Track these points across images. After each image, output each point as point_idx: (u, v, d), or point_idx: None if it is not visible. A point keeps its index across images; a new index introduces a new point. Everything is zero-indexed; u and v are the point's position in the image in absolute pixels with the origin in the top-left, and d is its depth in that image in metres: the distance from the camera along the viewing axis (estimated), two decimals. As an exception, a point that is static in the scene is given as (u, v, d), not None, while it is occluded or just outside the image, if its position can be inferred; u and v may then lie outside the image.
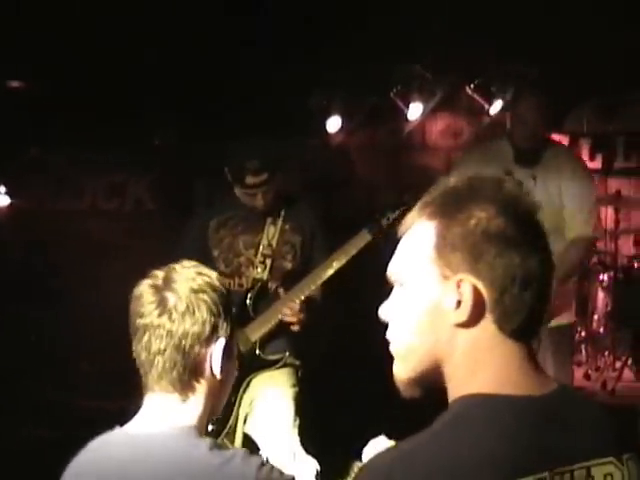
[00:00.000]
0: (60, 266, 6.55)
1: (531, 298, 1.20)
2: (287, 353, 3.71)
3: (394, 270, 1.28)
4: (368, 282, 5.43)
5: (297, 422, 3.72)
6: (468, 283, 1.19)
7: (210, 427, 3.37)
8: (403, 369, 1.26)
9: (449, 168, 5.92)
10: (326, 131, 6.27)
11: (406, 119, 6.06)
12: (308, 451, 3.68)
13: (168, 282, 1.85)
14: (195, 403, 1.86)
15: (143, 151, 6.87)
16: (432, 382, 1.25)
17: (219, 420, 3.49)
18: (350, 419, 4.63)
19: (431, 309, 1.22)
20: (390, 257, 1.29)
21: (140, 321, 1.83)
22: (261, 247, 3.70)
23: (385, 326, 1.30)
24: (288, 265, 3.74)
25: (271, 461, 3.45)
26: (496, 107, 5.84)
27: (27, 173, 6.76)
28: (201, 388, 1.86)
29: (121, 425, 1.91)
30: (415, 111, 5.97)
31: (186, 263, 1.92)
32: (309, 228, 3.80)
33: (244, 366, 3.53)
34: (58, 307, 6.35)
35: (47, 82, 6.15)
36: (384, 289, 1.31)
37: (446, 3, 5.39)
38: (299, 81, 6.18)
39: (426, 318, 1.22)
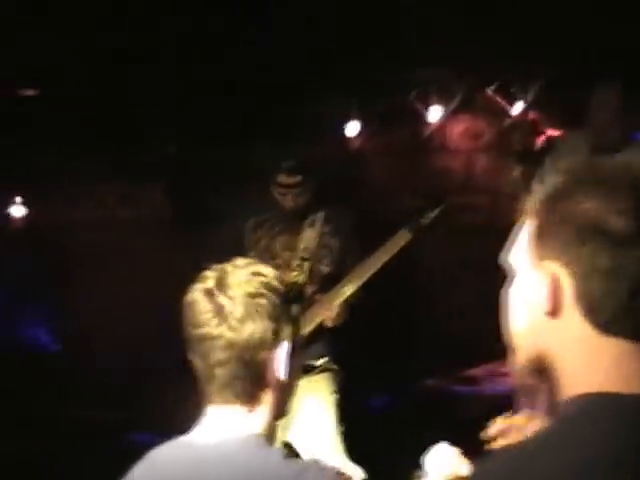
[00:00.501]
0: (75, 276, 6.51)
1: (625, 292, 1.13)
2: (326, 358, 3.69)
3: (503, 260, 1.27)
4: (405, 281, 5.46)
5: (340, 429, 3.69)
6: (555, 272, 1.16)
7: None
8: (515, 359, 1.24)
9: (469, 171, 5.86)
10: (344, 136, 6.21)
11: (426, 122, 6.00)
12: (352, 459, 3.65)
13: (222, 286, 1.75)
14: (262, 411, 1.77)
15: (155, 159, 6.83)
16: (545, 372, 1.21)
17: None
18: (389, 425, 4.59)
19: (527, 299, 1.20)
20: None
21: (196, 331, 1.74)
22: (299, 250, 3.69)
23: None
24: (325, 269, 3.73)
25: None
26: (517, 108, 5.77)
27: (44, 183, 6.73)
28: (266, 396, 1.78)
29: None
30: (435, 114, 5.91)
31: (239, 262, 1.83)
32: (345, 231, 3.80)
33: None
34: (75, 317, 6.31)
35: (59, 90, 6.12)
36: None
37: (465, 3, 5.35)
38: (314, 85, 6.14)
39: (524, 308, 1.21)
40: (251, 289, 1.75)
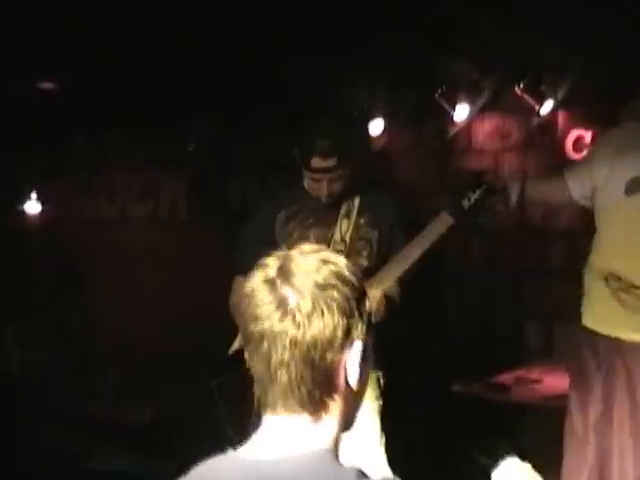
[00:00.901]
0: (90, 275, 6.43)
1: None
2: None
3: None
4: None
5: (383, 439, 3.42)
6: None
7: None
8: None
9: (497, 172, 5.70)
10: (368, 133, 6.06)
11: (452, 121, 5.82)
12: (395, 471, 3.43)
13: (286, 275, 1.52)
14: (329, 422, 1.56)
15: (177, 152, 6.73)
16: None
17: None
18: (434, 434, 4.45)
19: None
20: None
21: (256, 327, 1.51)
22: (333, 242, 3.40)
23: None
24: (364, 262, 3.43)
25: None
26: (547, 107, 5.59)
27: (58, 179, 6.65)
28: (335, 404, 1.56)
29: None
30: (461, 112, 5.74)
31: (305, 247, 1.61)
32: (387, 221, 3.50)
33: None
34: (86, 317, 6.25)
35: (75, 82, 6.03)
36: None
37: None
38: (338, 79, 6.01)
39: None
40: (320, 279, 1.52)
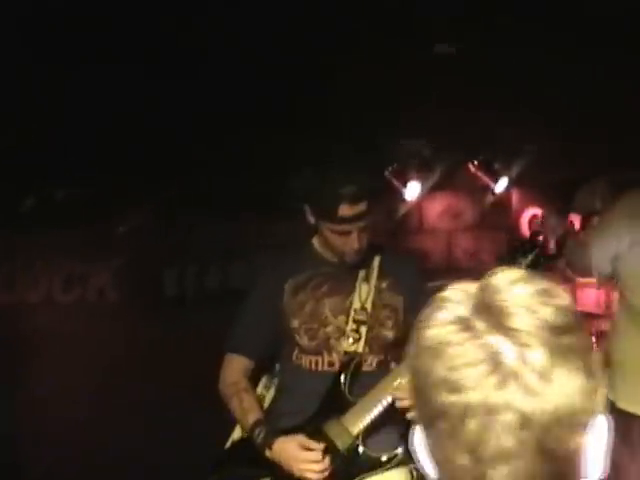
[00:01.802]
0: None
1: None
2: (400, 449, 2.93)
3: None
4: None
5: None
6: None
7: None
8: None
9: (450, 252, 5.58)
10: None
11: (402, 199, 5.71)
12: None
13: (495, 315, 0.98)
14: None
15: (106, 237, 6.46)
16: None
17: None
18: None
19: None
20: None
21: (454, 398, 0.97)
22: (352, 312, 2.96)
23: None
24: (389, 334, 2.99)
25: None
26: (501, 185, 5.53)
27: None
28: None
29: None
30: (412, 190, 5.62)
31: (510, 274, 1.02)
32: (411, 285, 3.06)
33: (344, 469, 2.87)
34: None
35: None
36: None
37: (444, 77, 5.16)
38: (285, 158, 5.88)
39: None
40: (551, 318, 0.98)
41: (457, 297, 1.04)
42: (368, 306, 2.94)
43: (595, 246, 3.41)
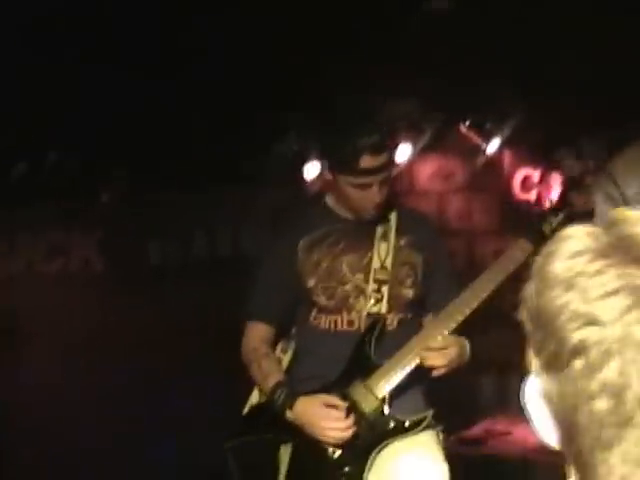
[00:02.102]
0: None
1: None
2: (428, 412, 2.82)
3: None
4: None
5: None
6: None
7: None
8: None
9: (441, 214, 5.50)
10: (302, 178, 5.82)
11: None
12: None
13: (632, 248, 0.88)
14: None
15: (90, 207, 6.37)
16: None
17: None
18: None
19: None
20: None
21: (592, 332, 0.86)
22: (373, 271, 2.83)
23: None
24: (409, 293, 2.88)
25: None
26: (493, 146, 5.45)
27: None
28: None
29: None
30: (402, 153, 5.53)
31: None
32: (430, 243, 2.97)
33: (369, 432, 2.76)
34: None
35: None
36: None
37: (435, 35, 5.07)
38: (267, 124, 5.78)
39: None
40: None
41: (583, 231, 0.94)
42: (388, 265, 2.86)
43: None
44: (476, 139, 5.47)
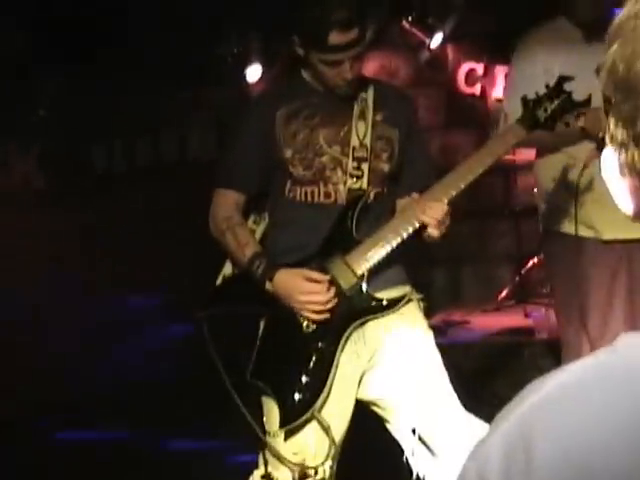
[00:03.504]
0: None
1: None
2: (407, 287, 2.86)
3: None
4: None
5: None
6: None
7: (297, 396, 2.70)
8: None
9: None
10: (244, 81, 5.83)
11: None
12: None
13: None
14: None
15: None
16: None
17: (309, 385, 2.73)
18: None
19: None
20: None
21: None
22: (352, 148, 2.85)
23: None
24: (385, 167, 2.89)
25: (427, 429, 2.75)
26: (437, 40, 5.51)
27: None
28: None
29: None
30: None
31: None
32: (405, 119, 2.96)
33: (346, 310, 2.78)
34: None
35: None
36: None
37: None
38: (206, 25, 5.75)
39: None
40: None
41: None
42: (367, 142, 2.86)
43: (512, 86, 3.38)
44: (419, 34, 5.53)
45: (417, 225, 2.74)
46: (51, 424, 4.86)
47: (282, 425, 2.72)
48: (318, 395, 2.72)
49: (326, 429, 2.75)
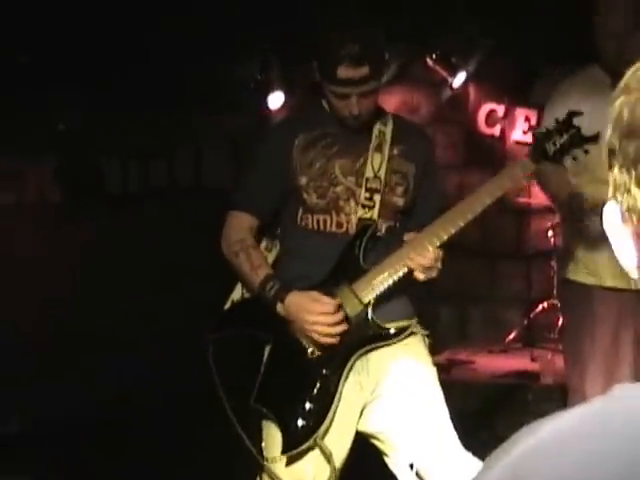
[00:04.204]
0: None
1: None
2: (414, 319, 2.90)
3: None
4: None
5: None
6: None
7: (301, 422, 2.74)
8: None
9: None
10: (267, 107, 5.90)
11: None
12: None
13: None
14: None
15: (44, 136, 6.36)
16: None
17: (312, 412, 2.76)
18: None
19: None
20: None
21: None
22: (366, 179, 2.88)
23: None
24: (399, 201, 2.93)
25: (425, 465, 2.77)
26: (459, 79, 5.57)
27: None
28: None
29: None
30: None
31: None
32: (422, 155, 3.00)
33: (351, 337, 2.80)
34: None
35: None
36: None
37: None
38: (227, 51, 5.82)
39: None
40: None
41: None
42: (382, 175, 2.89)
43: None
44: (442, 72, 5.59)
45: (406, 269, 2.78)
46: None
47: (284, 451, 2.75)
48: (321, 422, 2.75)
49: (328, 457, 2.77)
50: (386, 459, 2.89)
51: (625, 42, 3.22)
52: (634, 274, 0.90)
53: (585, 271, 3.41)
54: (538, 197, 5.26)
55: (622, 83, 0.89)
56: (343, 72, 2.72)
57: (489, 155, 5.89)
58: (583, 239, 3.41)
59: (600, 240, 3.26)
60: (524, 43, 5.57)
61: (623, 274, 3.00)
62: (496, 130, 5.80)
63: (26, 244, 5.96)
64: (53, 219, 6.30)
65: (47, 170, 6.65)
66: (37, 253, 5.92)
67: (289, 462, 2.78)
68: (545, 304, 5.61)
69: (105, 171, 6.55)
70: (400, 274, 2.79)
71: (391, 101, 5.86)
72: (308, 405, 2.76)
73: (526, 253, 5.84)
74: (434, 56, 5.52)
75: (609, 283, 3.36)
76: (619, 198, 0.88)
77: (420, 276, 2.78)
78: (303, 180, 2.88)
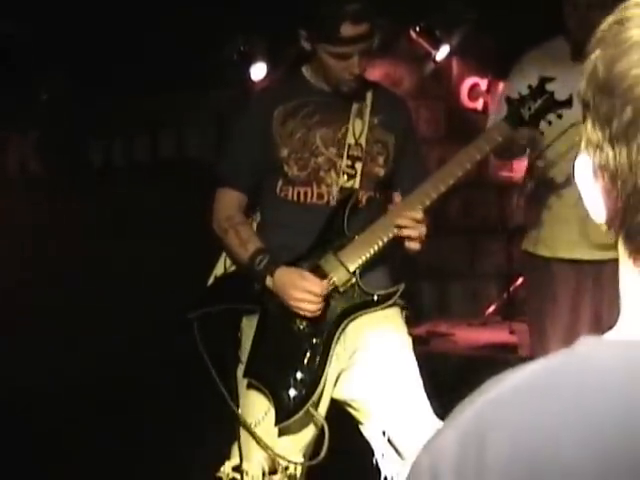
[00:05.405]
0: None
1: None
2: (402, 286, 2.90)
3: None
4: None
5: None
6: None
7: (293, 392, 2.80)
8: None
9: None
10: (249, 79, 5.93)
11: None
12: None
13: None
14: None
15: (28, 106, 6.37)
16: None
17: (304, 381, 2.81)
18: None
19: None
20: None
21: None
22: (347, 147, 2.90)
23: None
24: (380, 171, 2.96)
25: (397, 433, 2.85)
26: (442, 53, 5.62)
27: None
28: None
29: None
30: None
31: None
32: (402, 124, 3.04)
33: (339, 305, 2.86)
34: None
35: None
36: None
37: None
38: (211, 25, 5.84)
39: None
40: None
41: None
42: (362, 142, 2.92)
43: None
44: (426, 45, 5.64)
45: (392, 235, 2.85)
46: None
47: (278, 422, 2.82)
48: (314, 391, 2.83)
49: (320, 426, 2.85)
50: (360, 427, 2.97)
51: (589, 13, 3.25)
52: (603, 228, 0.90)
53: (543, 244, 3.50)
54: (520, 171, 5.32)
55: (597, 34, 0.89)
56: (346, 30, 2.75)
57: (472, 129, 5.95)
58: (541, 212, 3.48)
59: (558, 213, 3.35)
60: (508, 18, 5.62)
61: (580, 246, 3.13)
62: (479, 104, 5.87)
63: (7, 215, 5.99)
64: (34, 191, 6.33)
65: (29, 141, 6.68)
66: (18, 224, 5.95)
67: (282, 432, 2.85)
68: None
69: (89, 144, 6.58)
70: (385, 240, 2.85)
71: (374, 74, 5.89)
72: (300, 375, 2.83)
73: (507, 227, 5.91)
74: (417, 29, 5.56)
75: (566, 255, 3.44)
76: (591, 154, 0.88)
77: (412, 245, 2.84)
78: (284, 152, 2.93)
